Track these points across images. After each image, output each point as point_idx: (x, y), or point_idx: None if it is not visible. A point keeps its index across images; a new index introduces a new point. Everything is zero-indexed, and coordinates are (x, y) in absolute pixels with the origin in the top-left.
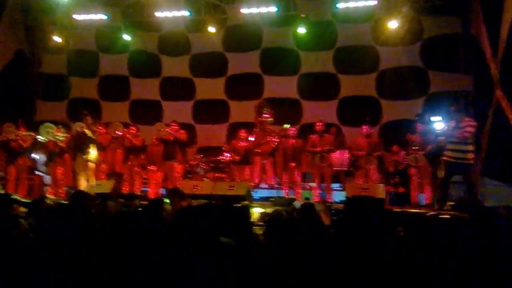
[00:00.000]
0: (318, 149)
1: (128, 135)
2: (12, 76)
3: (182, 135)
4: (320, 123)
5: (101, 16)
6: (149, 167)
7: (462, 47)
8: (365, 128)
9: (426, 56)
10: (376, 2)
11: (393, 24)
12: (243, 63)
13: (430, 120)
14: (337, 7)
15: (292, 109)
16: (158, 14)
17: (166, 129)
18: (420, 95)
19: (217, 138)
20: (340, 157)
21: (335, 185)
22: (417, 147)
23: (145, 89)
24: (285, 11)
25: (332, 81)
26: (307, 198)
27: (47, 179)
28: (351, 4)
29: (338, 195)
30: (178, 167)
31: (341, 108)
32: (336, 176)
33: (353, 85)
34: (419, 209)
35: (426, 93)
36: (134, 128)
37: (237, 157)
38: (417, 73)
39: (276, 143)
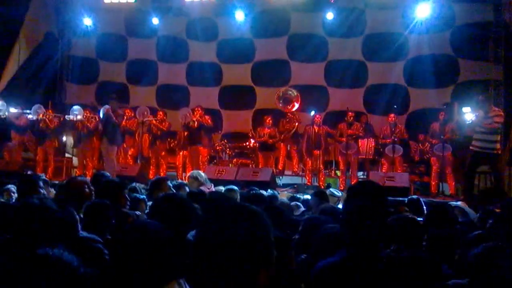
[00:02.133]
0: (345, 139)
1: (154, 121)
2: (42, 58)
3: (207, 120)
4: (351, 113)
5: (129, 0)
6: (179, 152)
7: (493, 35)
8: (391, 117)
9: (457, 44)
10: None
11: (423, 11)
12: (271, 49)
13: (459, 109)
14: None
15: (318, 96)
16: None
17: (191, 116)
18: (449, 84)
19: (243, 124)
20: (366, 145)
21: (360, 173)
22: (441, 136)
23: (173, 74)
24: None
25: (360, 69)
26: (328, 185)
27: (75, 161)
28: None
29: None
30: (203, 152)
31: (368, 96)
32: (361, 164)
33: (381, 73)
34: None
35: (455, 81)
36: (161, 113)
37: (262, 141)
38: (447, 61)
39: (297, 128)
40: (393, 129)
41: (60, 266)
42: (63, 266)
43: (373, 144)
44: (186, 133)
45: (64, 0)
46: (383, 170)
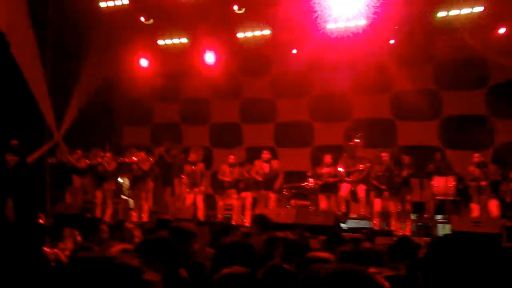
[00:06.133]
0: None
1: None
2: (100, 102)
3: (276, 164)
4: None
5: (183, 40)
6: (242, 194)
7: None
8: (476, 157)
9: None
10: (482, 9)
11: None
12: (329, 82)
13: None
14: (437, 16)
15: (385, 131)
16: (240, 35)
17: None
18: None
19: (300, 162)
20: (444, 185)
21: (439, 217)
22: None
23: (226, 112)
24: (376, 24)
25: (432, 99)
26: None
27: (131, 203)
28: (453, 12)
29: (442, 228)
30: (272, 196)
31: (444, 129)
32: (441, 206)
33: (457, 103)
34: None
35: None
36: (232, 157)
37: (320, 183)
38: None
39: (367, 171)
40: (483, 170)
41: None
42: None
43: (453, 184)
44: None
45: (121, 44)
46: (474, 215)
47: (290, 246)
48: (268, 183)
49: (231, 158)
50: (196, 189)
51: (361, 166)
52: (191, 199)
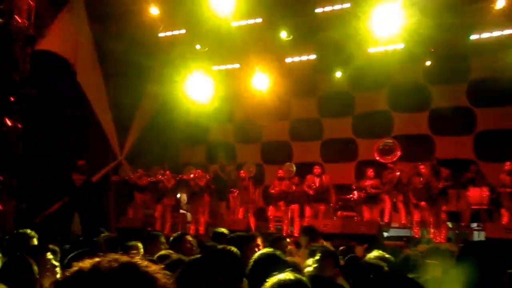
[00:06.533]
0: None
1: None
2: (158, 124)
3: (327, 179)
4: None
5: (235, 66)
6: (291, 206)
7: None
8: (507, 165)
9: None
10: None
11: None
12: (371, 101)
13: None
14: (469, 39)
15: (423, 145)
16: (288, 60)
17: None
18: None
19: (345, 176)
20: (479, 195)
21: (474, 225)
22: None
23: (276, 131)
24: (413, 47)
25: (467, 115)
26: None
27: (189, 216)
28: (485, 35)
29: (478, 235)
30: (323, 208)
31: (479, 143)
32: (476, 215)
33: (491, 119)
34: None
35: None
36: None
37: (363, 193)
38: None
39: (395, 181)
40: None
41: None
42: None
43: (487, 193)
44: (299, 189)
45: (178, 70)
46: (504, 222)
47: (325, 254)
48: (318, 195)
49: (280, 173)
50: (247, 203)
51: (389, 176)
52: (243, 212)
